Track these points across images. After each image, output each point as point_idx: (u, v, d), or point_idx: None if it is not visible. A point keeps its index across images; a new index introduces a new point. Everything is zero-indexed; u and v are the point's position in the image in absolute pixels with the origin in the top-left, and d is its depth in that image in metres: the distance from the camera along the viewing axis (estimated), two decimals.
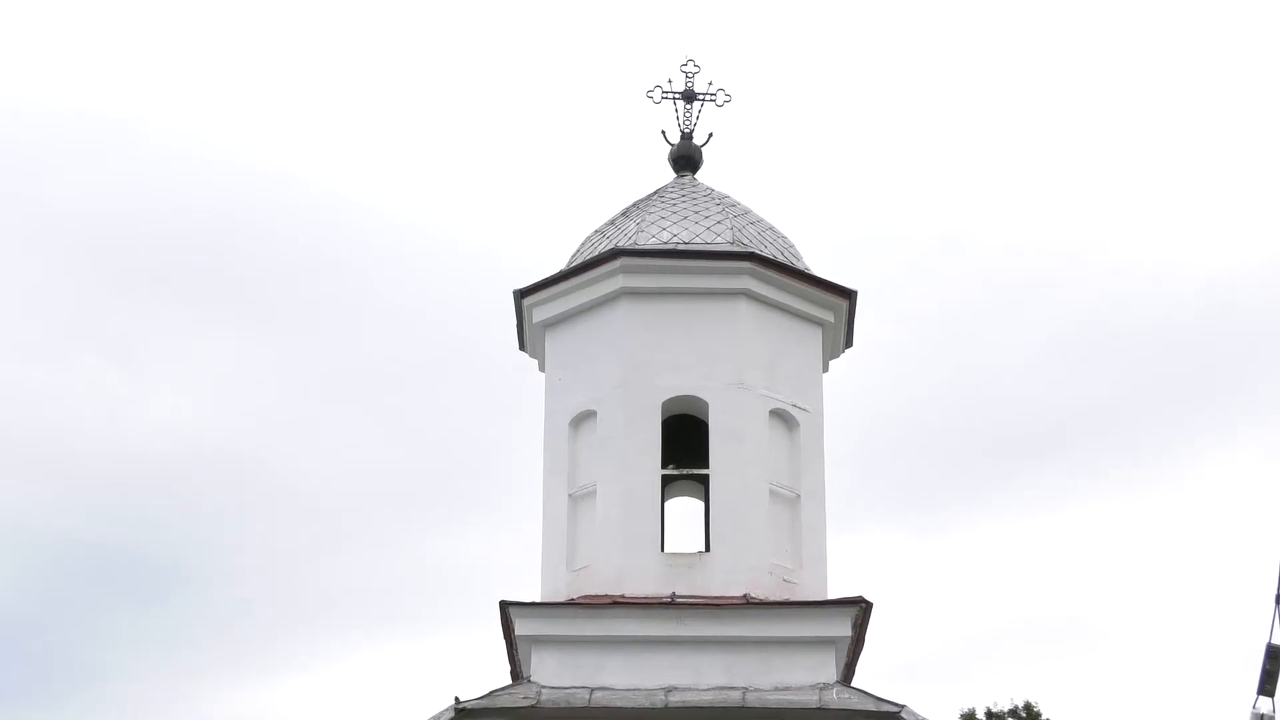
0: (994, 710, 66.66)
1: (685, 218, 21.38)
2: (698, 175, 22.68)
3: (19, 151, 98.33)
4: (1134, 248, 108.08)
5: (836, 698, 18.75)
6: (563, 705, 18.59)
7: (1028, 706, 67.41)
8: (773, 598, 19.70)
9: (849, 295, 21.67)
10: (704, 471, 20.59)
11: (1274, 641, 6.46)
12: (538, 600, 20.14)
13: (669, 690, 18.65)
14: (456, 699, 18.59)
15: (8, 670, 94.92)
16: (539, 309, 21.56)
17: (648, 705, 18.52)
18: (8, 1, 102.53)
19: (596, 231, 21.87)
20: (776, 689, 18.80)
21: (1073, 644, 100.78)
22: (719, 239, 21.04)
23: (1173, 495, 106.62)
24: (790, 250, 21.62)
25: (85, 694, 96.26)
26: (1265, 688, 6.49)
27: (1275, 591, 6.40)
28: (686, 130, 23.00)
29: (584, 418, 20.92)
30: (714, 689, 18.72)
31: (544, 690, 18.75)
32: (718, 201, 21.86)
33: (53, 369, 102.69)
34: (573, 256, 21.68)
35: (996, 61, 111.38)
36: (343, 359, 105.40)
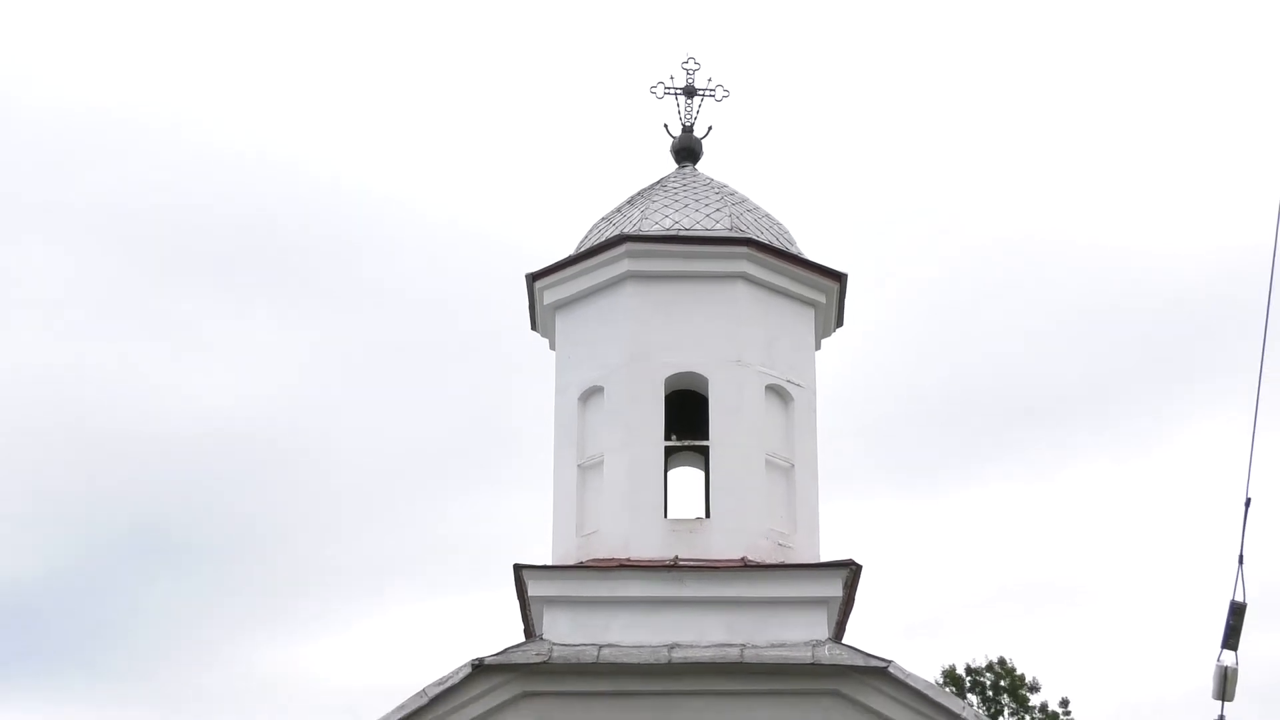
0: (972, 666, 66.81)
1: (686, 205, 21.38)
2: (698, 166, 22.65)
3: (69, 152, 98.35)
4: (1116, 237, 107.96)
5: (828, 653, 18.80)
6: (573, 661, 18.64)
7: (1002, 661, 67.55)
8: (769, 560, 19.75)
9: (840, 278, 21.66)
10: (704, 443, 20.60)
11: (1237, 599, 6.49)
12: (549, 564, 20.21)
13: (672, 647, 18.70)
14: (476, 660, 18.71)
15: (55, 633, 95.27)
16: (550, 291, 21.57)
17: (652, 661, 18.58)
18: (69, 18, 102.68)
19: (603, 219, 21.87)
20: (772, 645, 18.86)
21: (1047, 604, 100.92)
22: (718, 225, 21.04)
23: (1148, 466, 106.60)
24: (785, 236, 21.62)
25: (128, 655, 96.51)
26: (1229, 642, 6.51)
27: (1238, 552, 6.43)
28: (687, 124, 22.97)
29: (592, 393, 20.94)
30: (714, 646, 18.78)
31: (555, 647, 18.81)
32: (717, 190, 21.84)
33: (97, 351, 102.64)
34: (581, 242, 21.68)
35: (985, 61, 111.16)
36: (368, 340, 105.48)
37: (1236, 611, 7.38)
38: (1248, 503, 7.56)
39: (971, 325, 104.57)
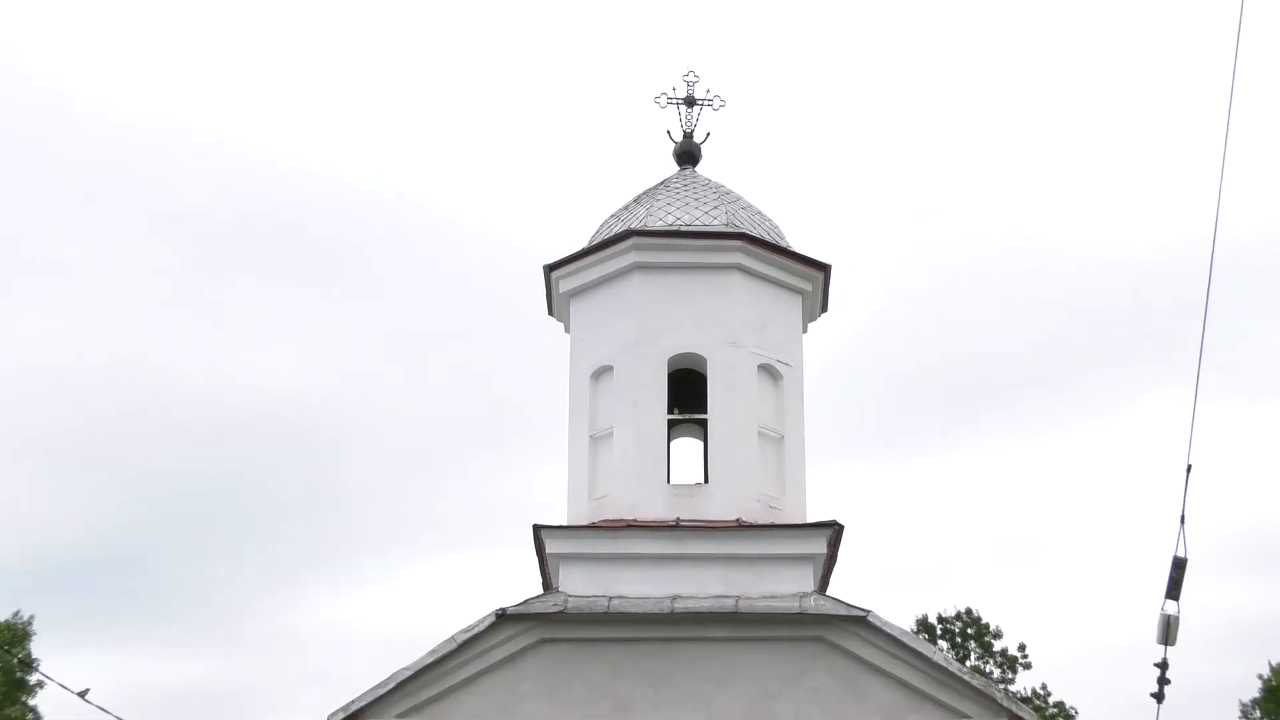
0: (943, 615, 66.89)
1: (687, 204, 21.36)
2: (697, 168, 22.61)
3: (134, 164, 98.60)
4: (1072, 237, 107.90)
5: (814, 604, 18.86)
6: (586, 611, 18.68)
7: (969, 611, 67.61)
8: (761, 521, 19.75)
9: (825, 269, 21.64)
10: (703, 416, 20.57)
11: (1179, 555, 6.49)
12: (565, 524, 20.23)
13: (674, 598, 18.73)
14: (498, 610, 18.77)
15: (124, 587, 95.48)
16: (564, 281, 21.56)
17: (656, 611, 18.59)
18: (134, 49, 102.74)
19: (612, 215, 21.84)
20: (764, 597, 18.88)
21: (1010, 560, 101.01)
22: (715, 222, 21.03)
23: (1100, 436, 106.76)
24: (775, 231, 21.61)
25: (189, 606, 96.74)
26: (1172, 593, 6.50)
27: (1180, 513, 6.43)
28: (688, 130, 22.94)
29: (602, 372, 20.94)
30: (712, 597, 18.83)
31: (570, 599, 18.86)
32: (714, 190, 21.82)
33: (161, 338, 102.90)
34: (593, 236, 21.66)
35: (963, 81, 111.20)
36: (402, 327, 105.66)
37: (1178, 566, 7.38)
38: (1188, 469, 7.56)
39: (944, 312, 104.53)
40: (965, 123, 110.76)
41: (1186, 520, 7.25)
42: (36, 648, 42.18)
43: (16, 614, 42.71)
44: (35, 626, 42.84)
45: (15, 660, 41.05)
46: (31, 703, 42.01)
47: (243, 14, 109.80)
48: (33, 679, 41.76)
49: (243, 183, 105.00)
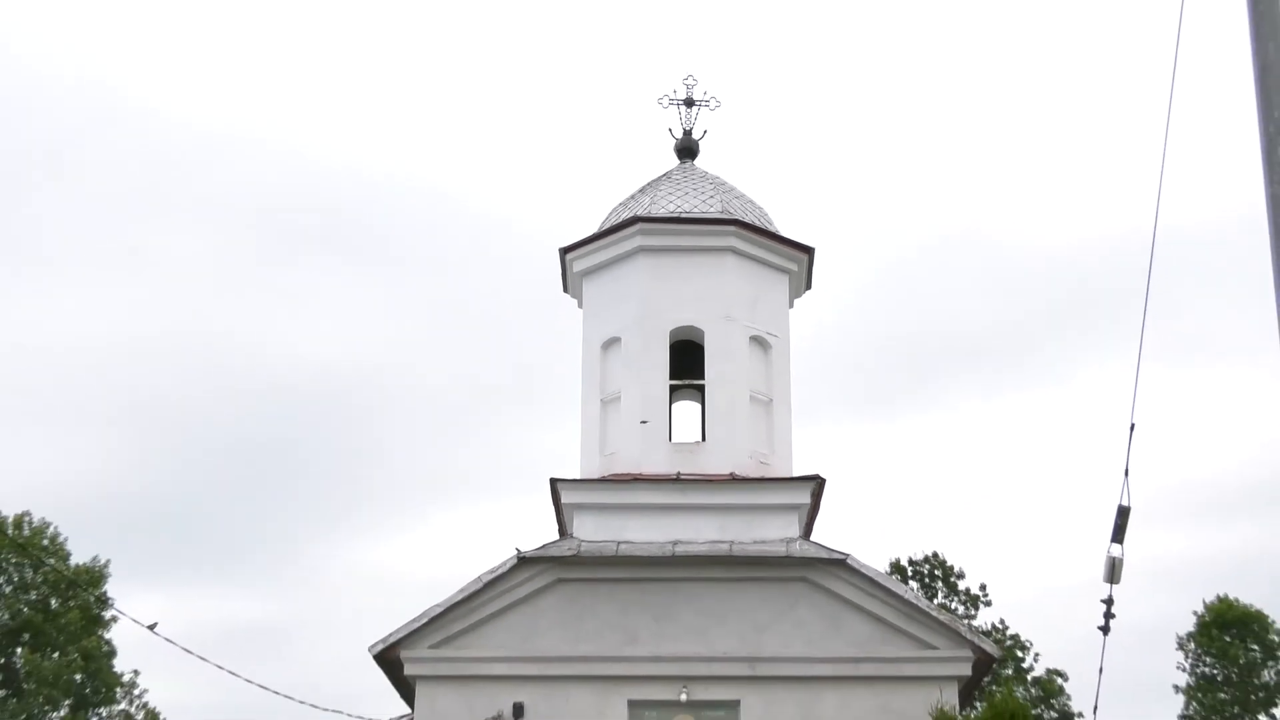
0: (913, 558, 66.89)
1: (686, 194, 21.32)
2: (696, 162, 22.55)
3: (207, 161, 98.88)
4: (1030, 223, 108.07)
5: (799, 549, 18.90)
6: (596, 555, 18.70)
7: (936, 555, 67.60)
8: (752, 475, 19.76)
9: (809, 251, 21.60)
10: (701, 382, 20.55)
11: (1123, 504, 6.50)
12: (578, 477, 20.26)
13: (675, 543, 18.75)
14: (518, 550, 19.01)
15: (188, 535, 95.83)
16: (578, 261, 21.53)
17: (659, 555, 18.62)
18: (204, 60, 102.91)
19: (620, 204, 21.80)
20: (755, 542, 18.90)
21: (972, 509, 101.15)
22: (712, 209, 20.98)
23: (1054, 397, 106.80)
24: (765, 217, 21.57)
25: (243, 550, 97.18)
26: (1116, 537, 6.52)
27: (1125, 466, 6.43)
28: (687, 128, 22.87)
29: (611, 343, 20.92)
30: (709, 542, 18.84)
31: (583, 544, 18.88)
32: (711, 182, 21.77)
33: (230, 313, 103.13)
34: (603, 222, 21.63)
35: (930, 82, 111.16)
36: (439, 303, 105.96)
37: (1122, 513, 7.36)
38: (1132, 428, 7.53)
39: (916, 290, 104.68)
40: (935, 124, 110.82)
41: (1130, 473, 7.23)
42: (111, 587, 42.33)
43: (95, 559, 42.80)
44: (111, 569, 42.99)
45: (93, 598, 41.15)
46: (107, 636, 42.15)
47: (292, 33, 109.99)
48: (108, 615, 41.88)
49: (293, 178, 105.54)
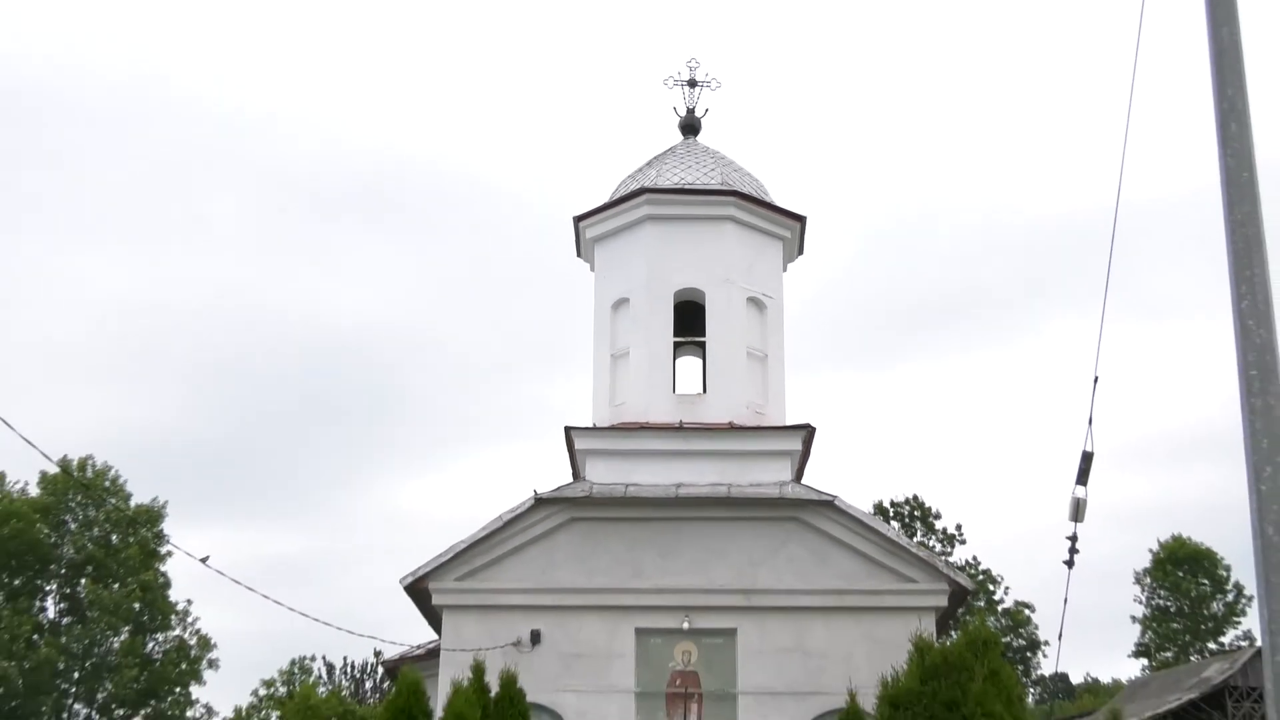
0: (894, 500, 67.10)
1: (689, 167, 21.25)
2: (698, 138, 22.45)
3: (260, 141, 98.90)
4: (1001, 193, 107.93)
5: (791, 491, 18.91)
6: (607, 496, 18.71)
7: (916, 497, 67.84)
8: (749, 424, 19.77)
9: (801, 219, 21.53)
10: (702, 339, 20.51)
11: (1087, 449, 6.48)
12: (590, 426, 20.26)
13: (679, 486, 18.78)
14: (535, 491, 19.04)
15: (236, 477, 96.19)
16: (590, 229, 21.46)
17: (664, 496, 18.63)
18: (244, 45, 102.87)
19: (629, 176, 21.72)
20: (751, 485, 18.91)
21: (948, 455, 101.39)
22: (712, 181, 20.91)
23: (1024, 352, 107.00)
24: (761, 188, 21.50)
25: (285, 491, 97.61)
26: (1081, 480, 6.50)
27: (1089, 415, 6.41)
28: (690, 107, 22.76)
29: (621, 303, 20.87)
30: (709, 484, 18.85)
31: (595, 486, 18.92)
32: (712, 156, 21.68)
33: (273, 274, 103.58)
34: (613, 193, 21.56)
35: (913, 67, 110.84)
36: (463, 265, 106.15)
37: (1086, 458, 7.33)
38: (1095, 380, 7.48)
39: (900, 254, 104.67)
40: (919, 106, 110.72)
41: (1093, 422, 7.19)
42: (167, 525, 42.46)
43: (153, 499, 42.96)
44: (167, 509, 43.14)
45: (150, 535, 41.30)
46: (163, 569, 42.35)
47: (334, 26, 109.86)
48: (164, 550, 42.04)
49: (335, 156, 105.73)
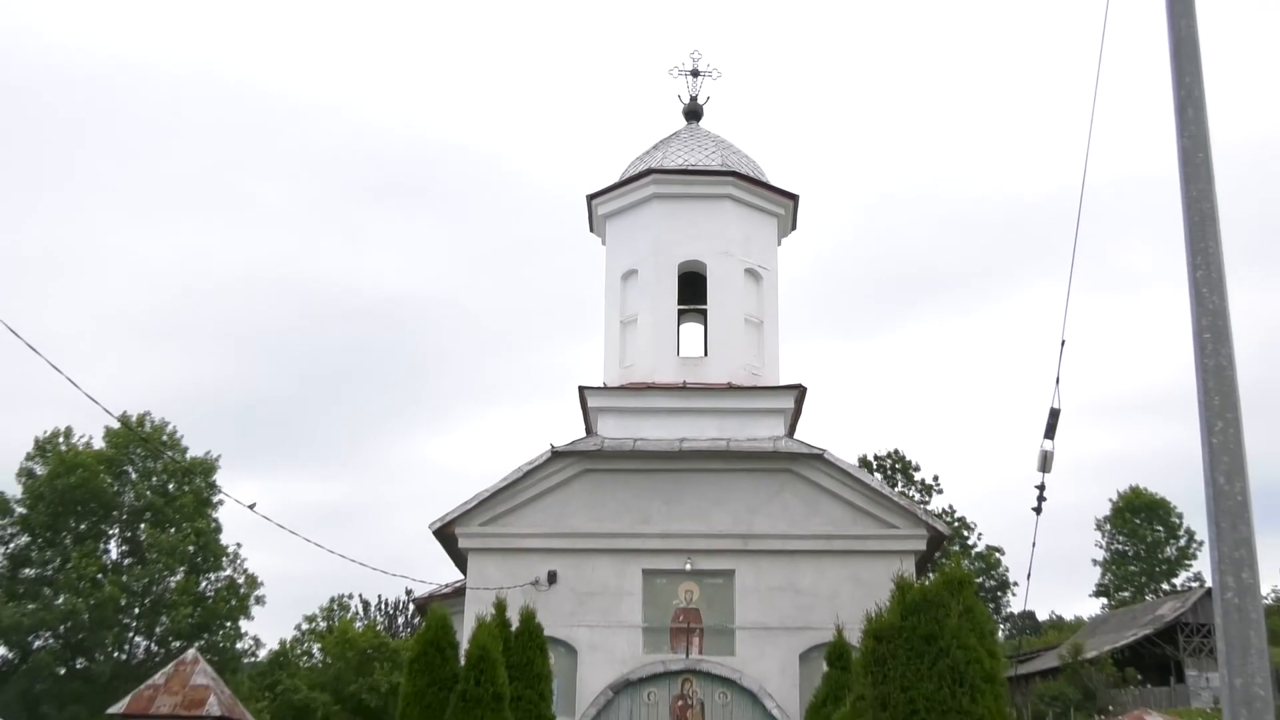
0: (877, 454, 67.20)
1: (692, 150, 21.16)
2: (701, 123, 22.36)
3: (305, 127, 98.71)
4: (977, 175, 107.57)
5: (784, 445, 18.89)
6: (616, 449, 18.70)
7: (896, 451, 67.94)
8: (746, 384, 19.74)
9: (795, 198, 21.46)
10: (704, 307, 20.47)
11: (1055, 406, 6.47)
12: (602, 385, 20.27)
13: (682, 440, 18.77)
14: (551, 445, 19.10)
15: (280, 432, 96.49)
16: (601, 206, 21.40)
17: (669, 449, 18.62)
18: (283, 41, 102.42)
19: (637, 158, 21.64)
20: (748, 439, 18.89)
21: (926, 412, 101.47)
22: (713, 162, 20.83)
23: (1000, 319, 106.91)
24: (758, 169, 21.41)
25: (324, 445, 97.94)
26: (1048, 434, 6.48)
27: (1056, 375, 6.39)
28: (693, 95, 22.66)
29: (630, 274, 20.82)
30: (709, 440, 18.83)
31: (606, 441, 18.92)
32: (713, 140, 21.60)
33: (316, 247, 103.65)
34: (623, 173, 21.48)
35: (900, 60, 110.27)
36: (486, 240, 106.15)
37: (1054, 414, 7.32)
38: (1062, 343, 7.46)
39: (885, 230, 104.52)
40: (902, 93, 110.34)
41: (1060, 381, 7.18)
42: (219, 476, 42.57)
43: (207, 452, 43.09)
44: (219, 461, 43.27)
45: (204, 484, 41.45)
46: (215, 515, 42.51)
47: (369, 23, 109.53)
48: (216, 498, 42.22)
49: (371, 141, 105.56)
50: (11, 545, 40.04)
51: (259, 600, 43.21)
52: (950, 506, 67.05)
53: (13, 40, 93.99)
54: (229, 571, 42.63)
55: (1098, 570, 76.38)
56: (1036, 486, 7.38)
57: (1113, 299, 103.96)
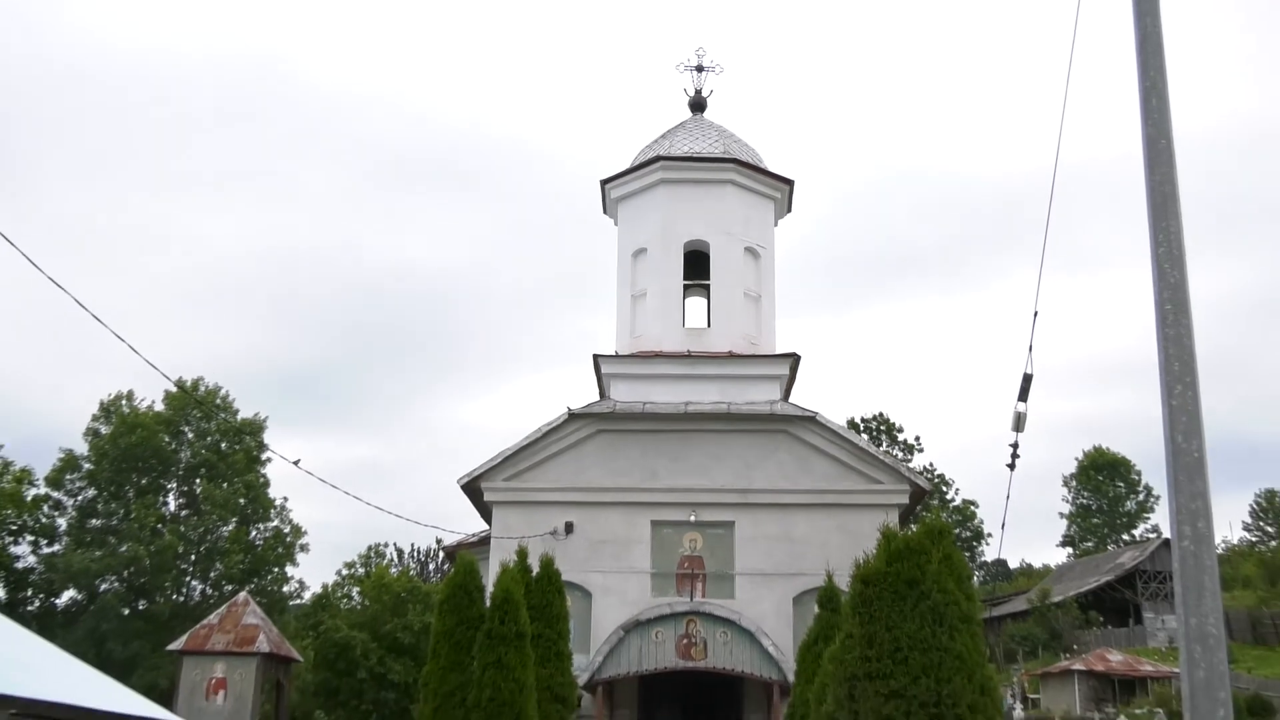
0: (864, 417, 67.06)
1: (697, 139, 21.09)
2: (704, 114, 22.29)
3: (343, 116, 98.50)
4: (954, 158, 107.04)
5: (780, 408, 18.91)
6: (627, 411, 18.73)
7: (881, 414, 67.80)
8: (745, 353, 19.73)
9: (790, 182, 21.36)
10: (706, 282, 20.46)
11: (1028, 371, 6.46)
12: (614, 354, 20.30)
13: (687, 404, 18.79)
14: (568, 408, 19.11)
15: (323, 394, 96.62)
16: (614, 190, 21.34)
17: (675, 412, 18.65)
18: (318, 34, 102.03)
19: (647, 146, 21.57)
20: (747, 403, 18.90)
21: (910, 379, 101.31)
22: (716, 150, 20.75)
23: (982, 294, 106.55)
24: (757, 157, 21.32)
25: (363, 406, 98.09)
26: (1022, 397, 6.46)
27: (1029, 343, 6.37)
28: (698, 88, 22.57)
29: (640, 252, 20.77)
30: (712, 403, 18.86)
31: (617, 404, 18.95)
32: (715, 130, 21.51)
33: (354, 228, 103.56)
34: (633, 160, 21.42)
35: (886, 53, 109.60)
36: (508, 221, 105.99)
37: (1026, 379, 7.32)
38: (1035, 314, 7.45)
39: (874, 212, 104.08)
40: (889, 87, 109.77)
41: (1033, 349, 7.17)
42: (267, 435, 42.55)
43: (255, 413, 43.12)
44: (267, 422, 43.28)
45: (253, 443, 41.46)
46: (263, 471, 42.57)
47: (400, 22, 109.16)
48: (264, 455, 42.26)
49: (403, 129, 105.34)
50: (80, 498, 40.16)
51: (303, 548, 43.29)
52: (930, 464, 67.00)
53: (85, 38, 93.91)
54: (276, 522, 42.67)
55: (1064, 522, 76.40)
56: (1010, 445, 7.39)
57: (1083, 273, 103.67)
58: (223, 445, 42.00)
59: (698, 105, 22.47)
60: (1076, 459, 77.67)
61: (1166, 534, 59.38)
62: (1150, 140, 6.40)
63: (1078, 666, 43.21)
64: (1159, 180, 6.31)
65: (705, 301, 20.79)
